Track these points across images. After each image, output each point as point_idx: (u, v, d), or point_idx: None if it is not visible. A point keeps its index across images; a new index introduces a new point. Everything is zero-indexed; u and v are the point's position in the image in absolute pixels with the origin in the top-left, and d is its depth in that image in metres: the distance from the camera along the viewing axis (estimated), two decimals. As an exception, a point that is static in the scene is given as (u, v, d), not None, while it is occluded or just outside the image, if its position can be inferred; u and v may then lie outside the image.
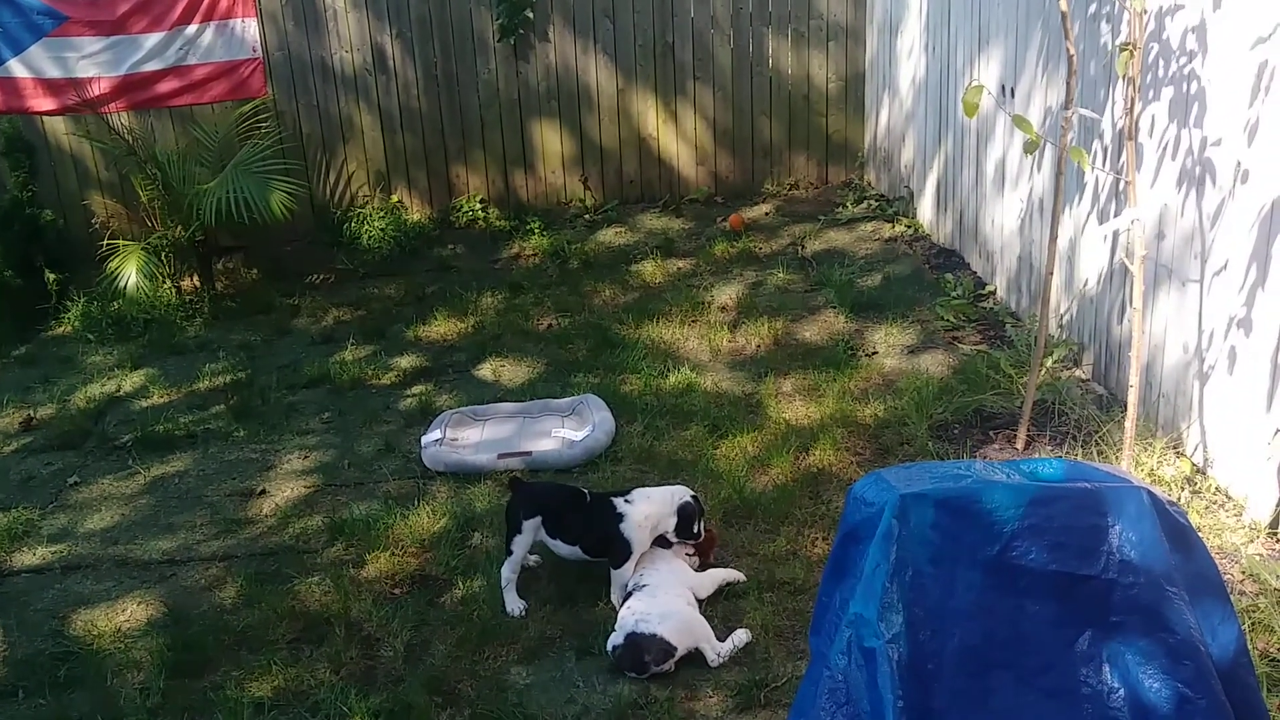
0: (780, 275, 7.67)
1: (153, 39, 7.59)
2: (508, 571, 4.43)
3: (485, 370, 6.70)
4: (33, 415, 6.57)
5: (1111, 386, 5.55)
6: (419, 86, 8.96)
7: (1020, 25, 6.26)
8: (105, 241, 8.05)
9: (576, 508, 4.49)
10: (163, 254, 8.00)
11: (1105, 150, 5.41)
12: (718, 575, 4.44)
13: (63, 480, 5.78)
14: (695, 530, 4.43)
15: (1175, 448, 4.95)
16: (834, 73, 9.18)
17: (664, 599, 4.12)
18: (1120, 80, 5.04)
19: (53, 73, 7.42)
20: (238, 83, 7.73)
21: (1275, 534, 4.40)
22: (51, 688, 4.20)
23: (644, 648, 3.94)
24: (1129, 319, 5.05)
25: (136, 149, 7.97)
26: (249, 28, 7.63)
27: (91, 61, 7.48)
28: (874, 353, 6.42)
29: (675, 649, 3.96)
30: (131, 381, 6.96)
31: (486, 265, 8.47)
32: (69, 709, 4.07)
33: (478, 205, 9.17)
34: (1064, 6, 4.53)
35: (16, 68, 7.36)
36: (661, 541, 4.44)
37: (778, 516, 4.85)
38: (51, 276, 8.02)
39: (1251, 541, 4.40)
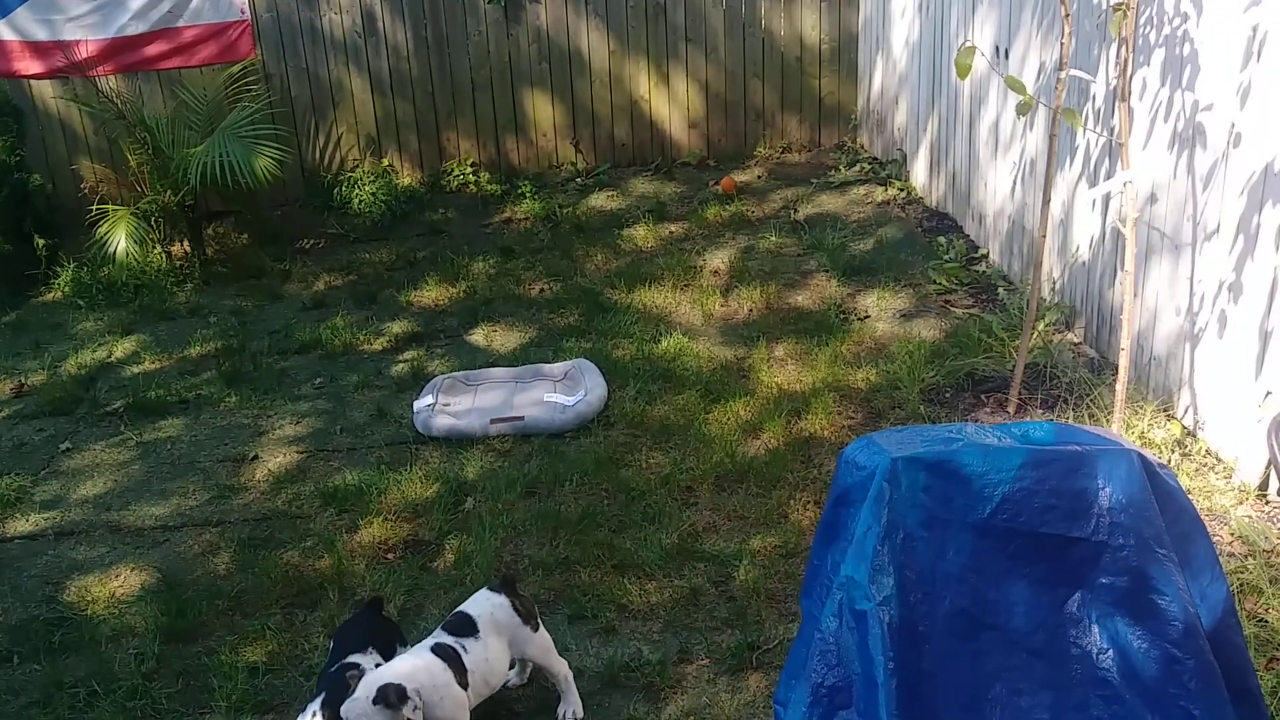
0: (772, 239, 7.64)
1: (139, 0, 7.52)
2: None
3: (477, 335, 6.68)
4: (24, 382, 6.55)
5: (1103, 350, 5.55)
6: (409, 49, 8.88)
7: (1014, -14, 6.22)
8: (95, 207, 7.99)
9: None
10: (153, 219, 7.94)
11: (1098, 112, 5.39)
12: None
13: (54, 447, 5.78)
14: None
15: (1166, 411, 4.97)
16: (827, 34, 9.11)
17: None
18: (1114, 41, 5.01)
19: (40, 35, 7.36)
20: (226, 45, 7.68)
21: (1264, 496, 4.43)
22: (46, 653, 4.22)
23: None
24: (1121, 282, 5.05)
25: (125, 113, 7.89)
26: (236, -11, 7.57)
27: (78, 24, 7.42)
28: (866, 317, 6.42)
29: None
30: (123, 348, 6.93)
31: (478, 229, 8.43)
32: (64, 674, 4.09)
33: (469, 169, 9.12)
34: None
35: (3, 30, 7.31)
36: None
37: (769, 481, 4.87)
38: (41, 242, 7.96)
39: (1241, 504, 4.42)
